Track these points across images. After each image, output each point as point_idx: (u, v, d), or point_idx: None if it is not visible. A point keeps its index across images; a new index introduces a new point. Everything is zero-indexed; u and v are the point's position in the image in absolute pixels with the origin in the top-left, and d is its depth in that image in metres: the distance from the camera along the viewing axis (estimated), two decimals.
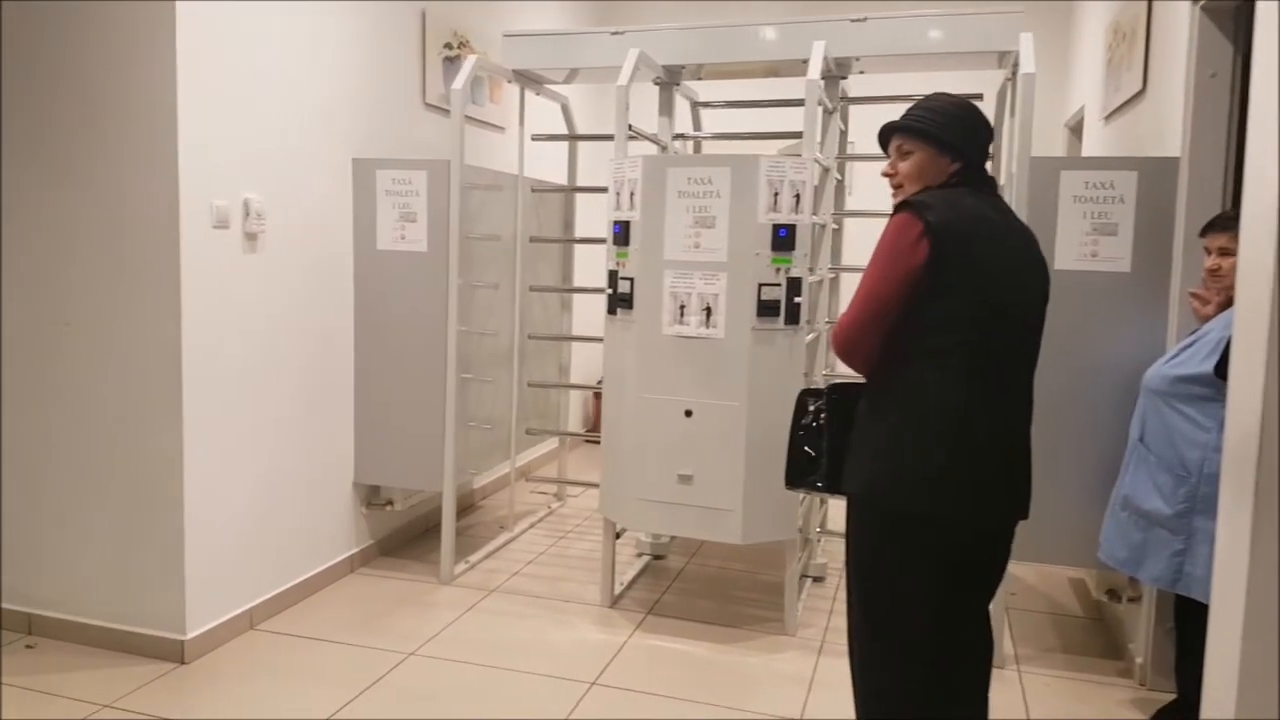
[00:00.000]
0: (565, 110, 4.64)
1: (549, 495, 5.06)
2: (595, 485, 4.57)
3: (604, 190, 4.46)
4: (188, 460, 3.04)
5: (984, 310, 1.94)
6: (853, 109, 4.22)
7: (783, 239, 3.20)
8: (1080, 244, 3.10)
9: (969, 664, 2.11)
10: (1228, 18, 2.85)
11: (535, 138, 4.48)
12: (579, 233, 4.81)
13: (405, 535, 4.32)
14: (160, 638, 3.10)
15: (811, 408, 2.22)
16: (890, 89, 4.92)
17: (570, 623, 3.51)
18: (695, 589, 3.90)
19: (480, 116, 4.74)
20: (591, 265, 5.63)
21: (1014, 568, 3.27)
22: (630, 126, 3.54)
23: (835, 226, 3.98)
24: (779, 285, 3.22)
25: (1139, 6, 3.57)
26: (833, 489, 2.19)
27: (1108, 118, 4.20)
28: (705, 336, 3.25)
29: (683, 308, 3.27)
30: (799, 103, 4.01)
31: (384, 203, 3.76)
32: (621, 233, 3.36)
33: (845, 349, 2.05)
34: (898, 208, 2.02)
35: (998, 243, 1.97)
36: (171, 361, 3.00)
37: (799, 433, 2.24)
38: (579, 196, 4.83)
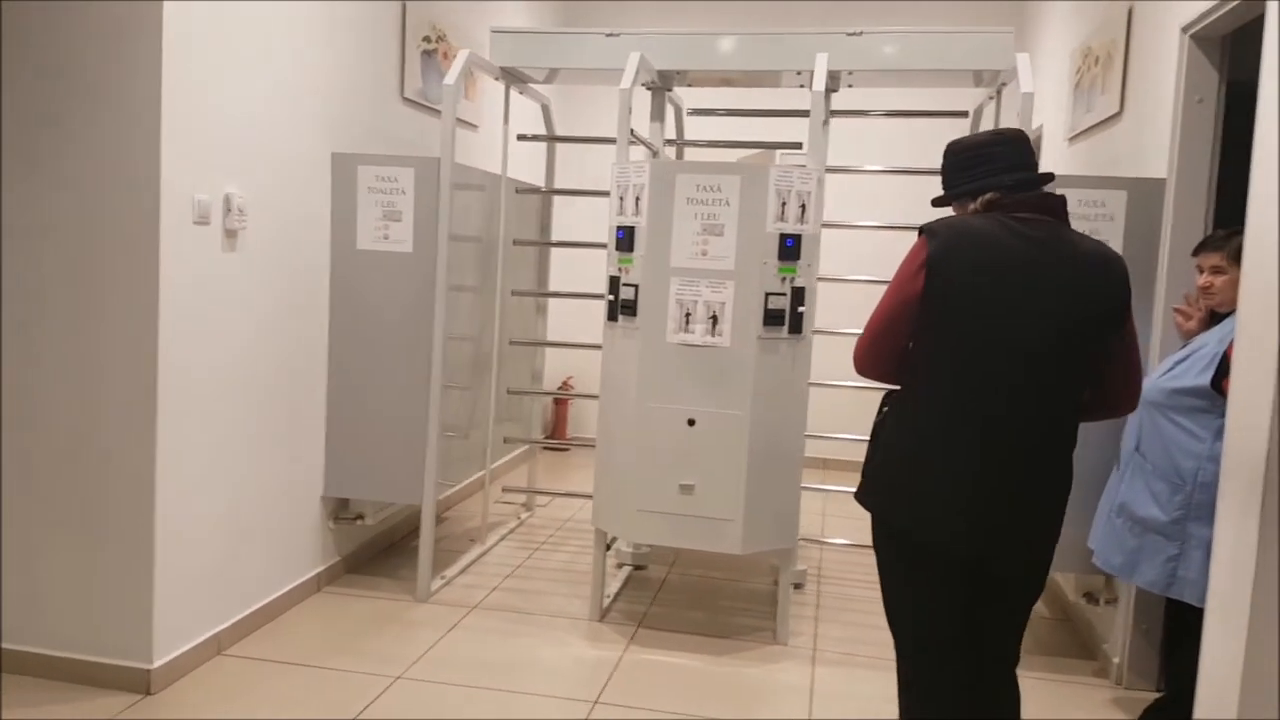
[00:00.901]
0: (546, 111, 4.55)
1: (517, 505, 4.94)
2: (570, 495, 4.51)
3: (587, 193, 4.44)
4: (160, 477, 2.83)
5: (972, 341, 1.97)
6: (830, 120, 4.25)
7: (790, 248, 3.19)
8: None
9: (948, 671, 2.11)
10: (1214, 46, 2.97)
11: (521, 138, 4.38)
12: (555, 235, 4.72)
13: (371, 551, 4.14)
14: (124, 667, 2.87)
15: (885, 409, 2.23)
16: (868, 103, 5.02)
17: (561, 639, 3.41)
18: (681, 599, 3.85)
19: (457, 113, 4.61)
20: (567, 269, 5.55)
21: None
22: (632, 131, 3.49)
23: None
24: (784, 295, 3.20)
25: (1116, 31, 3.70)
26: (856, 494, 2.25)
27: (1073, 138, 4.34)
28: (711, 345, 3.22)
29: (688, 315, 3.22)
30: (789, 113, 4.05)
31: (366, 200, 3.61)
32: (625, 238, 3.29)
33: (860, 367, 2.14)
34: (919, 232, 2.08)
35: (1002, 268, 1.96)
36: (146, 372, 2.79)
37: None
38: (555, 199, 4.74)
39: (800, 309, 3.23)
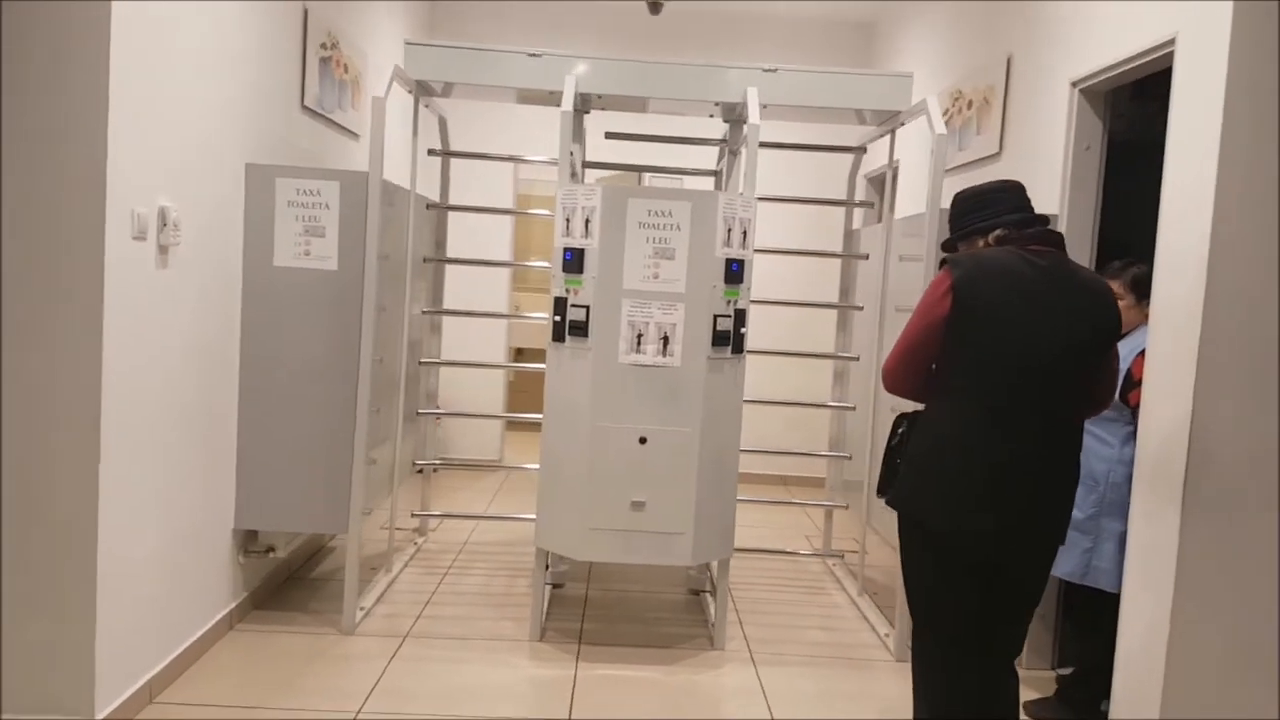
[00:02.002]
0: (443, 125, 4.46)
1: (411, 531, 4.79)
2: (504, 518, 4.44)
3: (499, 211, 4.38)
4: (102, 519, 2.59)
5: (994, 359, 2.22)
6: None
7: (735, 273, 3.33)
8: None
9: (969, 657, 2.37)
10: (1100, 100, 3.40)
11: (431, 153, 4.28)
12: (451, 252, 4.64)
13: (273, 584, 3.90)
14: None
15: (900, 430, 2.46)
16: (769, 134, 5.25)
17: (508, 661, 3.38)
18: (608, 615, 3.90)
19: (341, 122, 4.44)
20: (458, 286, 5.41)
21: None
22: (575, 152, 3.51)
23: None
24: (730, 316, 3.35)
25: (994, 78, 4.12)
26: (888, 498, 2.46)
27: (949, 171, 4.76)
28: (662, 365, 3.30)
29: (640, 336, 3.30)
30: (702, 141, 4.21)
31: (285, 214, 3.42)
32: (574, 260, 3.32)
33: (890, 385, 2.40)
34: (941, 264, 2.35)
35: (1019, 295, 2.22)
36: (88, 402, 2.53)
37: (888, 449, 2.49)
38: (448, 215, 4.66)
39: (743, 330, 3.39)
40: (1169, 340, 2.71)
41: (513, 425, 7.20)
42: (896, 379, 2.37)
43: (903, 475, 2.38)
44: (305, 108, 3.97)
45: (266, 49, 3.53)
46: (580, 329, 3.31)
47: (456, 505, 5.46)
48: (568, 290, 3.35)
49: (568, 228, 3.35)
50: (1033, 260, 2.27)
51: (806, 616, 4.02)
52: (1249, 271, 2.56)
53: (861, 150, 4.39)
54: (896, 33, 5.89)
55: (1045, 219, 2.37)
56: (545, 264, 3.93)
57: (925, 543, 2.34)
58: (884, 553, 4.80)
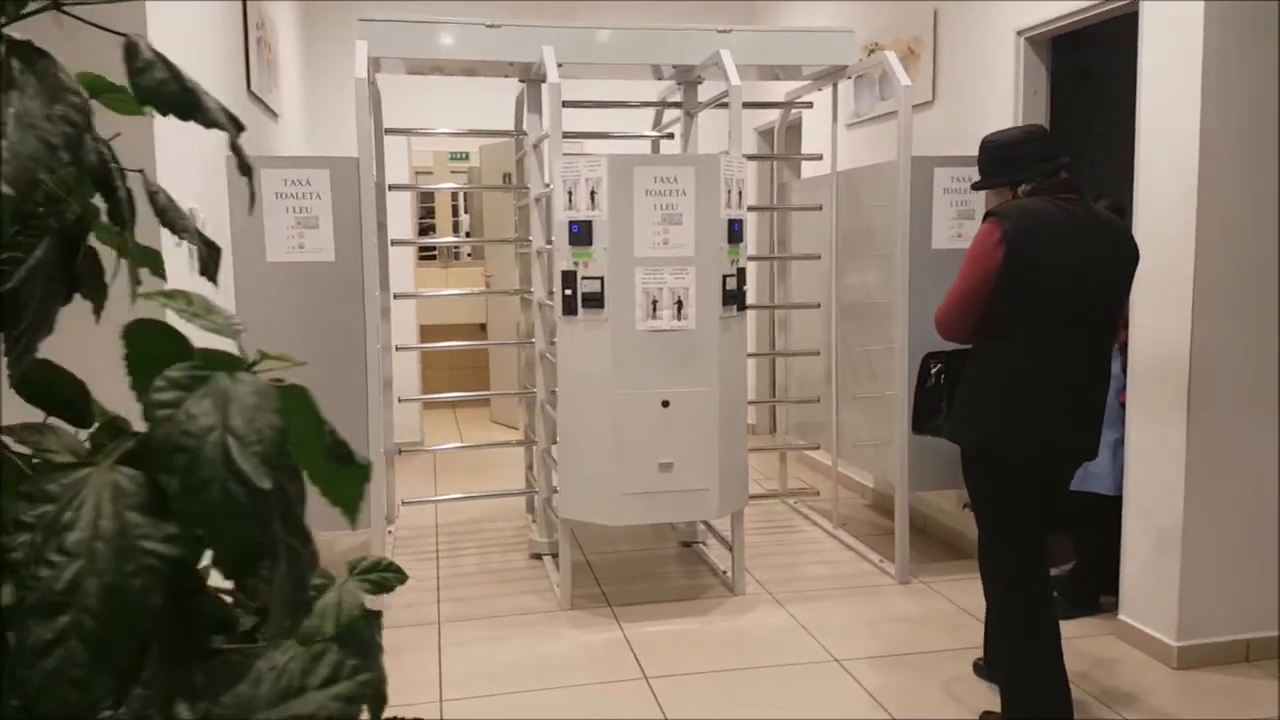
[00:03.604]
0: (378, 101, 4.31)
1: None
2: (471, 498, 4.37)
3: (456, 188, 4.27)
4: None
5: (1047, 300, 2.45)
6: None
7: (736, 232, 3.46)
8: (949, 227, 3.81)
9: (1033, 556, 2.64)
10: (1043, 47, 3.73)
11: (389, 132, 4.13)
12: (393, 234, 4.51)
13: None
14: None
15: (933, 370, 2.67)
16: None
17: (553, 632, 3.43)
18: (619, 576, 3.99)
19: (270, 104, 4.21)
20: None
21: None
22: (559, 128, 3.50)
23: None
24: (734, 275, 3.47)
25: (920, 29, 4.39)
26: (951, 435, 2.67)
27: (859, 124, 5.03)
28: (678, 329, 3.39)
29: (655, 302, 3.37)
30: (658, 104, 4.27)
31: (274, 207, 3.26)
32: (581, 232, 3.34)
33: (945, 331, 2.59)
34: (986, 216, 2.56)
35: (1063, 240, 2.45)
36: None
37: (925, 388, 2.70)
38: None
39: (744, 287, 3.52)
40: (1158, 267, 3.05)
41: (428, 405, 7.08)
42: (953, 325, 2.56)
43: (964, 412, 2.58)
44: (251, 93, 3.75)
45: (223, 34, 3.32)
46: (595, 300, 3.35)
47: (405, 490, 5.36)
48: (576, 263, 3.37)
49: (570, 200, 3.36)
50: (1068, 209, 2.51)
51: (799, 554, 4.26)
52: (1235, 204, 2.94)
53: (807, 105, 4.58)
54: None
55: (1066, 164, 2.63)
56: (519, 240, 3.90)
57: (997, 470, 2.54)
58: (850, 490, 5.11)
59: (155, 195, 0.88)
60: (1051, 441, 2.49)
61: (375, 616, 0.87)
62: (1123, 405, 3.25)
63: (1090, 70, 4.74)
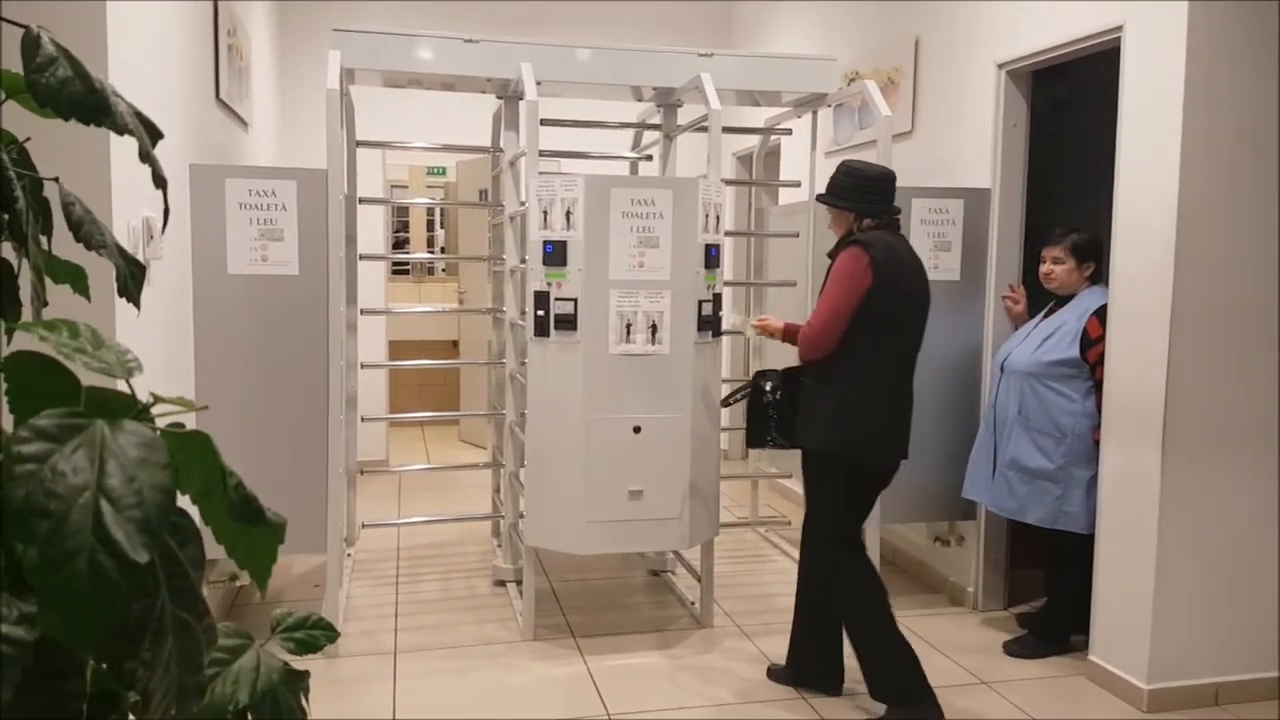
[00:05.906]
0: (351, 114, 4.23)
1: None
2: (433, 521, 4.25)
3: (434, 204, 4.20)
4: None
5: (898, 319, 2.84)
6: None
7: (713, 257, 3.40)
8: (927, 258, 3.75)
9: (856, 547, 3.00)
10: (1024, 80, 3.71)
11: (360, 144, 4.05)
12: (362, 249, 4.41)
13: (220, 614, 3.62)
14: None
15: (768, 386, 3.04)
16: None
17: (514, 664, 3.32)
18: (585, 604, 3.90)
19: (241, 113, 4.12)
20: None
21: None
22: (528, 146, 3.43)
23: None
24: (710, 301, 3.41)
25: (901, 59, 4.38)
26: (788, 444, 3.07)
27: (836, 151, 5.01)
28: (652, 353, 3.32)
29: (629, 326, 3.30)
30: (637, 126, 4.22)
31: (237, 218, 3.16)
32: (555, 252, 3.27)
33: (818, 347, 2.85)
34: (849, 244, 2.84)
35: (906, 270, 2.83)
36: None
37: (762, 404, 3.04)
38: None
39: (720, 313, 3.46)
40: (1136, 305, 3.02)
41: (394, 424, 6.95)
42: (826, 341, 2.81)
43: (819, 421, 2.87)
44: (219, 100, 3.66)
45: (190, 40, 3.23)
46: (568, 322, 3.27)
47: (367, 511, 5.23)
48: (549, 284, 3.29)
49: (545, 220, 3.29)
50: (904, 243, 2.92)
51: (769, 585, 4.19)
52: (1213, 245, 2.92)
53: (786, 131, 4.55)
54: (763, 17, 6.09)
55: (898, 210, 2.95)
56: (480, 259, 3.82)
57: (848, 473, 2.86)
58: None
59: (70, 206, 0.80)
60: (885, 440, 2.85)
61: (299, 679, 0.78)
62: (1097, 443, 3.22)
63: (1064, 101, 4.74)
